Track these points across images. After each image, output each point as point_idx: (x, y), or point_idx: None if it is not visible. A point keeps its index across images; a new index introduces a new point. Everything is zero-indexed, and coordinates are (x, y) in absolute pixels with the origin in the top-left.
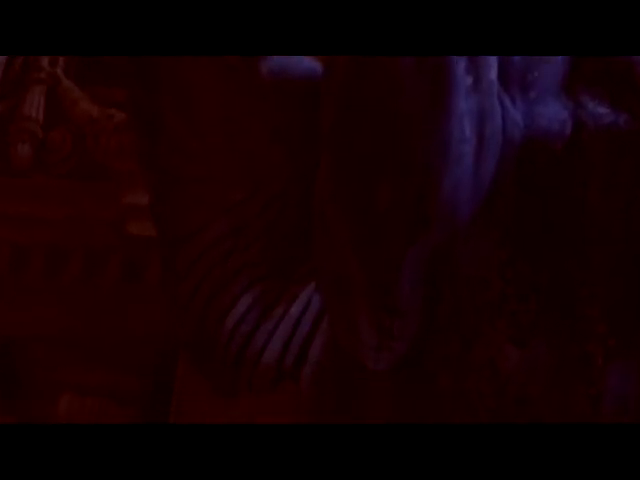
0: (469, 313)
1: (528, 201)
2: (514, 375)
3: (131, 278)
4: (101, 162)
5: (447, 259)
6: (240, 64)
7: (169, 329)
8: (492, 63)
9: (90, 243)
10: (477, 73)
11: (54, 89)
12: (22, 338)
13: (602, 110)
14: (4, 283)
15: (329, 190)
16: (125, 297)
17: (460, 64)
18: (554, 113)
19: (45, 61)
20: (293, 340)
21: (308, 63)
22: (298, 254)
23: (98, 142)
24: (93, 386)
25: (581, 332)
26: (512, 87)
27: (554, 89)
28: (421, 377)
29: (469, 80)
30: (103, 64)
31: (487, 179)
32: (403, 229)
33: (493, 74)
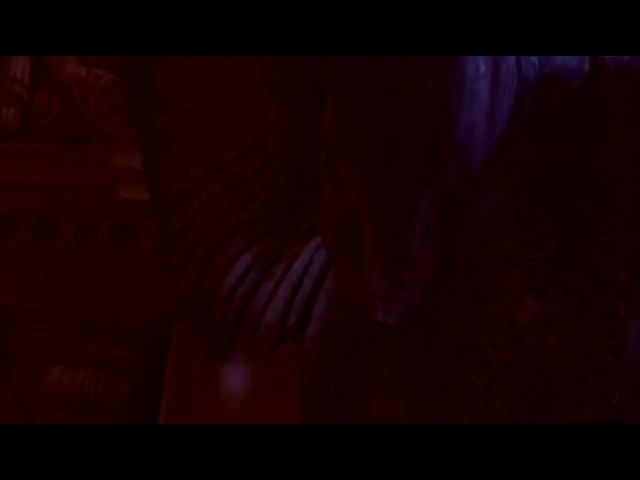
0: (485, 262)
1: (545, 143)
2: (531, 327)
3: (123, 245)
4: (90, 125)
5: (461, 205)
6: None
7: (163, 296)
8: None
9: (79, 209)
10: None
11: None
12: (9, 309)
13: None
14: None
15: (337, 132)
16: (116, 265)
17: None
18: None
19: None
20: (295, 299)
21: None
22: (299, 211)
23: (86, 104)
24: (84, 357)
25: (602, 281)
26: None
27: None
28: (432, 331)
29: None
30: None
31: (502, 119)
32: (416, 172)
33: None
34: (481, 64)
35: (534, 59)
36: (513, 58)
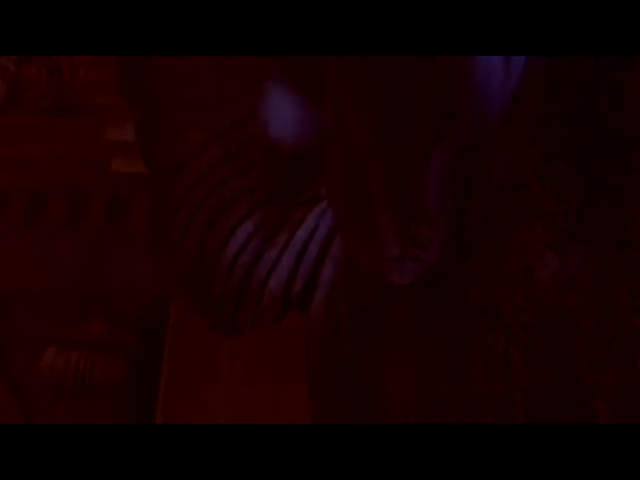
0: (503, 218)
1: (564, 92)
2: (552, 286)
3: (117, 221)
4: (80, 97)
5: (477, 160)
6: None
7: (159, 273)
8: None
9: (71, 184)
10: None
11: None
12: (1, 292)
13: None
14: None
15: (345, 83)
16: (111, 242)
17: None
18: None
19: None
20: (300, 267)
21: None
22: (301, 177)
23: (76, 75)
24: (79, 339)
25: (625, 237)
26: None
27: None
28: (448, 293)
29: None
30: None
31: (517, 70)
32: (428, 125)
33: None
34: None
35: None
36: None
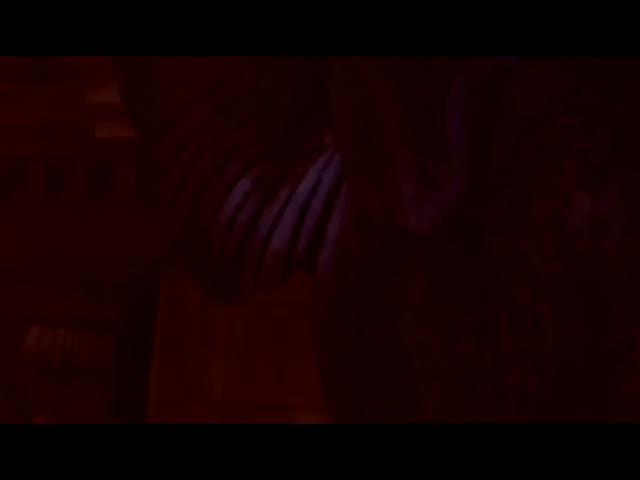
0: (528, 156)
1: None
2: (583, 230)
3: (102, 190)
4: (59, 60)
5: (500, 90)
6: None
7: (149, 242)
8: None
9: (52, 152)
10: None
11: None
12: None
13: None
14: None
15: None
16: (95, 213)
17: None
18: None
19: None
20: (304, 223)
21: None
22: (301, 128)
23: None
24: (65, 316)
25: None
26: None
27: None
28: (469, 241)
29: None
30: None
31: None
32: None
33: None
34: None
35: None
36: None
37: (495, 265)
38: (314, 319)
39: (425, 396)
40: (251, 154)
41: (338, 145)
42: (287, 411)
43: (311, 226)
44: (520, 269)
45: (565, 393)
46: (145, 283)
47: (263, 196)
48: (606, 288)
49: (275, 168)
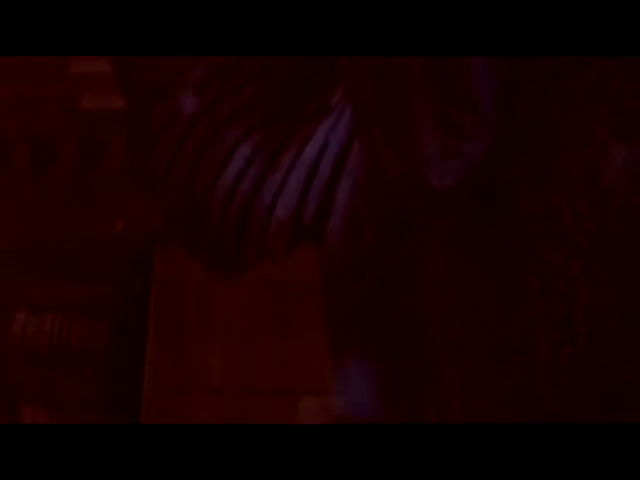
0: (559, 102)
1: None
2: (619, 183)
3: (90, 166)
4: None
5: None
6: None
7: (141, 220)
8: None
9: (37, 127)
10: None
11: None
12: None
13: None
14: None
15: None
16: (83, 190)
17: None
18: None
19: None
20: (311, 189)
21: None
22: (307, 87)
23: None
24: (53, 301)
25: None
26: None
27: None
28: (495, 198)
29: None
30: None
31: None
32: None
33: None
34: None
35: None
36: None
37: (523, 224)
38: (324, 291)
39: (447, 369)
40: (251, 118)
41: (350, 99)
42: (290, 396)
43: (319, 191)
44: (550, 228)
45: (598, 364)
46: (138, 264)
47: (265, 162)
48: None
49: (277, 132)
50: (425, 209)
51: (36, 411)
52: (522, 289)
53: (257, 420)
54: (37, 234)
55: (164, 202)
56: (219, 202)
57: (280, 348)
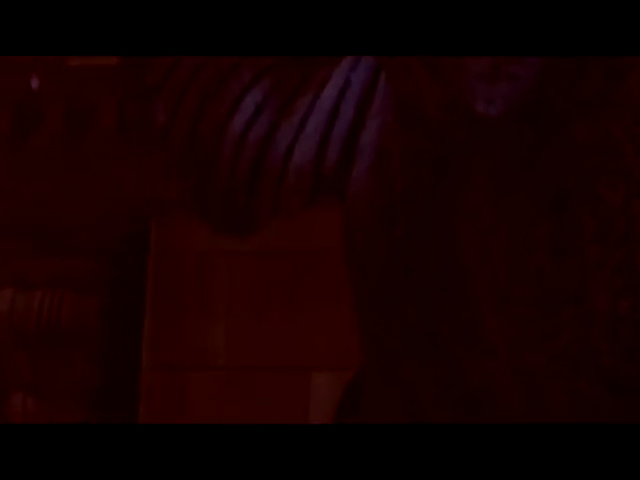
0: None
1: None
2: None
3: (79, 130)
4: None
5: None
6: None
7: (137, 188)
8: None
9: (19, 89)
10: None
11: None
12: None
13: None
14: None
15: None
16: (72, 157)
17: None
18: None
19: None
20: (332, 133)
21: None
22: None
23: None
24: (41, 276)
25: None
26: None
27: None
28: (546, 127)
29: None
30: None
31: None
32: None
33: None
34: None
35: None
36: None
37: (578, 158)
38: (348, 245)
39: (492, 326)
40: (259, 63)
41: None
42: (300, 373)
43: (341, 135)
44: (609, 162)
45: None
46: (132, 234)
47: (279, 107)
48: None
49: (291, 75)
50: (466, 144)
51: (25, 398)
52: (577, 232)
53: (265, 400)
54: (21, 206)
55: (165, 160)
56: (228, 154)
57: (288, 321)
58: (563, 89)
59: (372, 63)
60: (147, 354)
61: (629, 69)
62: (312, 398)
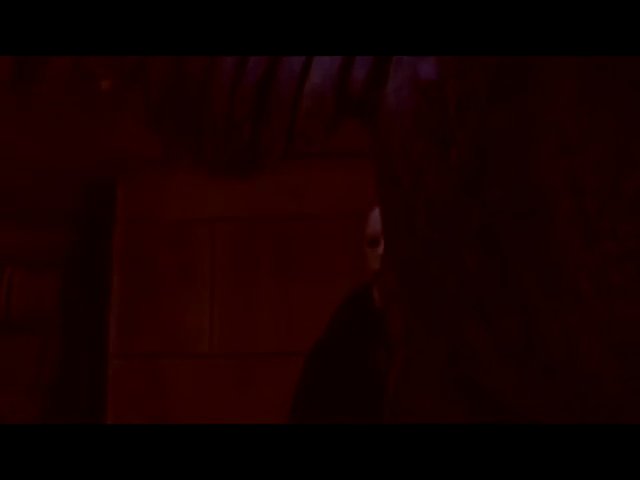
0: None
1: None
2: None
3: (28, 80)
4: None
5: None
6: None
7: (98, 147)
8: None
9: None
10: None
11: None
12: None
13: None
14: None
15: None
16: (22, 112)
17: None
18: None
19: None
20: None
21: None
22: None
23: None
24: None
25: None
26: None
27: None
28: None
29: None
30: None
31: None
32: None
33: None
34: None
35: None
36: None
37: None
38: (379, 182)
39: (577, 265)
40: None
41: None
42: (291, 359)
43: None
44: None
45: None
46: (95, 201)
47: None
48: None
49: None
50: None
51: None
52: None
53: (255, 390)
54: None
55: (145, 94)
56: (225, 77)
57: (278, 297)
58: None
59: None
60: (115, 341)
61: None
62: None
